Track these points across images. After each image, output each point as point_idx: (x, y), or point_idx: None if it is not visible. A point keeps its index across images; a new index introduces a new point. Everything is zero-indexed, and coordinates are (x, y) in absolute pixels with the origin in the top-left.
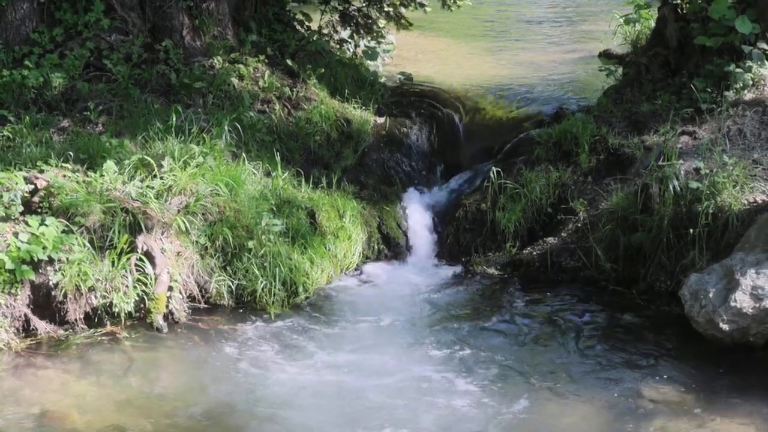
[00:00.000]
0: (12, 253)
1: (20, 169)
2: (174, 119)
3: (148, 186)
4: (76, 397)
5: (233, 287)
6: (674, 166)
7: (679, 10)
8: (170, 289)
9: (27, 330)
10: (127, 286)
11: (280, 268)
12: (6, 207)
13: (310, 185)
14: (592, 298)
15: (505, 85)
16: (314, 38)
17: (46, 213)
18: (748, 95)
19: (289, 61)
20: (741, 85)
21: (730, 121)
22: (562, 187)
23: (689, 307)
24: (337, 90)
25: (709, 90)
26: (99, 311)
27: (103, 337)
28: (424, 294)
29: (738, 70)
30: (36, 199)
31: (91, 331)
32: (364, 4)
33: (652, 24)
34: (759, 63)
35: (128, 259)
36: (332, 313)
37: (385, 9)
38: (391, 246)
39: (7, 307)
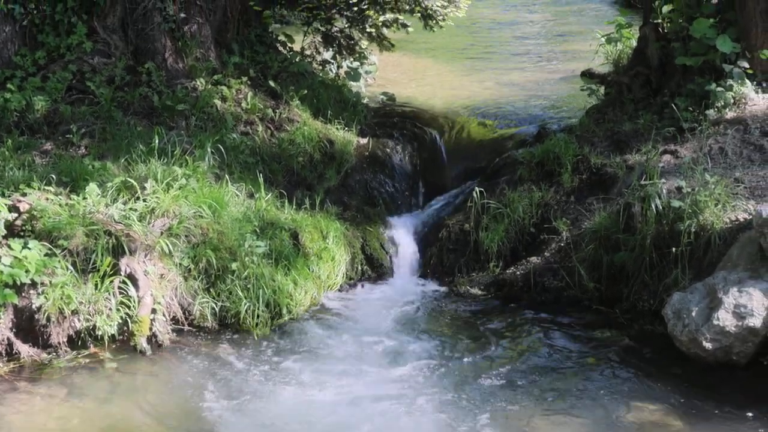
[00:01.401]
0: None
1: (3, 193)
2: (157, 141)
3: (131, 208)
4: (60, 421)
5: (217, 309)
6: (656, 185)
7: (660, 30)
8: (154, 311)
9: (10, 354)
10: (110, 309)
11: (264, 289)
12: None
13: (294, 206)
14: (575, 318)
15: (487, 105)
16: (297, 60)
17: (29, 236)
18: (729, 114)
19: (271, 83)
20: (722, 103)
21: (712, 140)
22: (545, 206)
23: (672, 326)
24: (320, 111)
25: (691, 109)
26: (82, 334)
27: (87, 360)
28: (408, 315)
29: (719, 89)
30: (19, 222)
31: (75, 354)
32: (346, 26)
33: (634, 43)
34: (740, 81)
35: (111, 281)
36: (315, 334)
37: (368, 30)
38: (374, 267)
39: None
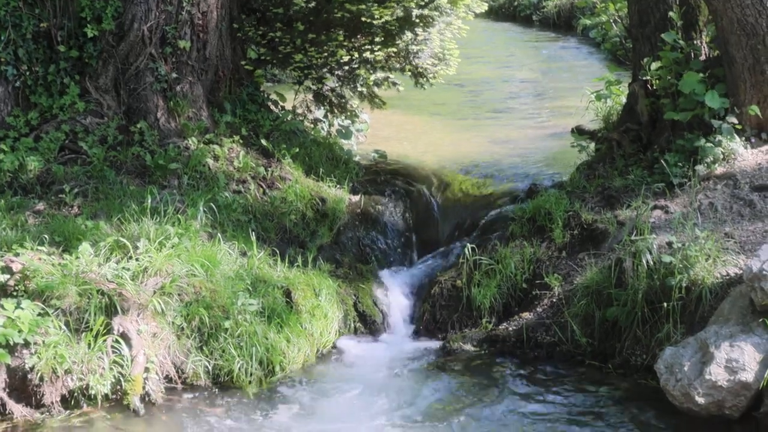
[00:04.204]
0: None
1: None
2: (149, 201)
3: (123, 267)
4: None
5: (210, 367)
6: (647, 241)
7: (649, 86)
8: (146, 370)
9: (3, 413)
10: (103, 368)
11: (257, 347)
12: None
13: (286, 264)
14: (568, 373)
15: (479, 162)
16: (288, 118)
17: (22, 296)
18: (718, 169)
19: (263, 141)
20: (711, 159)
21: (702, 195)
22: (537, 262)
23: (665, 380)
24: (312, 169)
25: (681, 164)
26: (75, 393)
27: (80, 420)
28: (401, 372)
29: (708, 144)
30: (12, 282)
31: (68, 413)
32: (337, 84)
33: (623, 100)
34: (729, 137)
35: (104, 341)
36: (308, 393)
37: (359, 88)
38: (367, 323)
39: None
